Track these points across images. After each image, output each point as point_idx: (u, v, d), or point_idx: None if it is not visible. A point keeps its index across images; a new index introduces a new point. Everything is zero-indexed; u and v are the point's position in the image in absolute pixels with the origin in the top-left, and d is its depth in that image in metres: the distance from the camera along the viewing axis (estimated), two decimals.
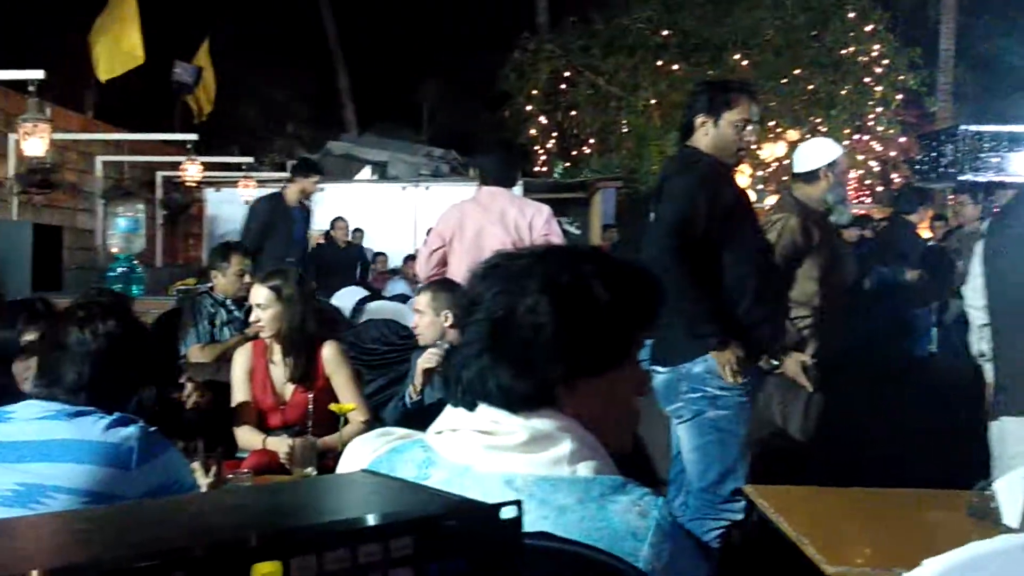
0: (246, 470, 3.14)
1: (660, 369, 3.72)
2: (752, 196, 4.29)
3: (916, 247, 7.68)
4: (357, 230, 12.99)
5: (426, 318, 3.98)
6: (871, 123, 16.82)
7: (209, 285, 5.39)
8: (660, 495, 1.40)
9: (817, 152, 4.61)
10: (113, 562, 0.76)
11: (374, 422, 3.77)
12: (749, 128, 3.74)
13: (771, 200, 9.01)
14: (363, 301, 8.02)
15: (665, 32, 16.73)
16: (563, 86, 17.67)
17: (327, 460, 3.40)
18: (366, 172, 14.94)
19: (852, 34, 16.33)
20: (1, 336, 2.98)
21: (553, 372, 1.40)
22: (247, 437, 3.72)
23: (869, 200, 17.79)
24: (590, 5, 17.64)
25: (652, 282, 1.53)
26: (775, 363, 4.17)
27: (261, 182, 13.56)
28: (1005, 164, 4.77)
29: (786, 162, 13.58)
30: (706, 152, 3.72)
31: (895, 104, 16.70)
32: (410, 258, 11.02)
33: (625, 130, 17.16)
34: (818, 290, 4.44)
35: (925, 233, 8.88)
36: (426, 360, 3.77)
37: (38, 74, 7.84)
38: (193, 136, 11.59)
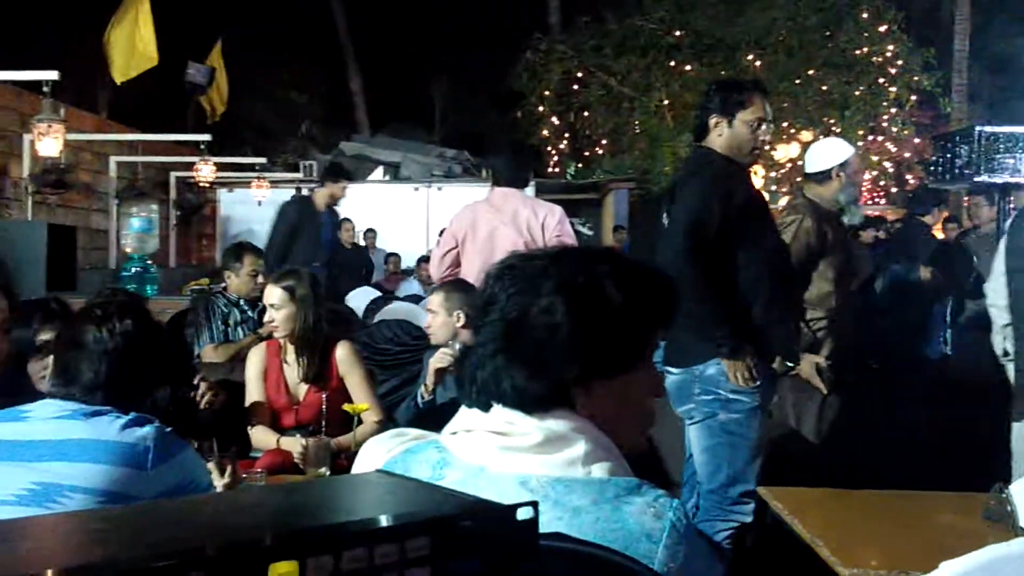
0: (260, 470, 3.15)
1: (673, 370, 3.71)
2: (765, 197, 4.27)
3: (930, 248, 7.64)
4: (370, 231, 12.99)
5: (439, 318, 3.98)
6: (885, 124, 16.76)
7: (222, 285, 5.41)
8: (675, 497, 1.40)
9: (829, 152, 4.59)
10: (129, 562, 0.76)
11: (387, 422, 3.77)
12: (764, 127, 3.72)
13: (784, 202, 8.99)
14: (375, 302, 8.02)
15: (678, 32, 16.70)
16: (575, 87, 17.65)
17: (340, 460, 3.40)
18: (378, 173, 14.97)
19: (866, 34, 16.26)
20: (16, 336, 2.99)
21: (568, 373, 1.40)
22: (261, 437, 3.73)
23: (883, 201, 17.74)
24: (602, 5, 17.62)
25: (666, 283, 1.53)
26: (789, 365, 4.16)
27: (274, 183, 13.61)
28: (1021, 165, 4.73)
29: (799, 163, 13.53)
30: (721, 152, 3.70)
31: (909, 105, 16.63)
32: (423, 260, 11.02)
33: (637, 131, 17.14)
34: (833, 291, 4.43)
35: (939, 235, 8.85)
36: (438, 360, 3.77)
37: (52, 75, 7.87)
38: (206, 137, 11.62)
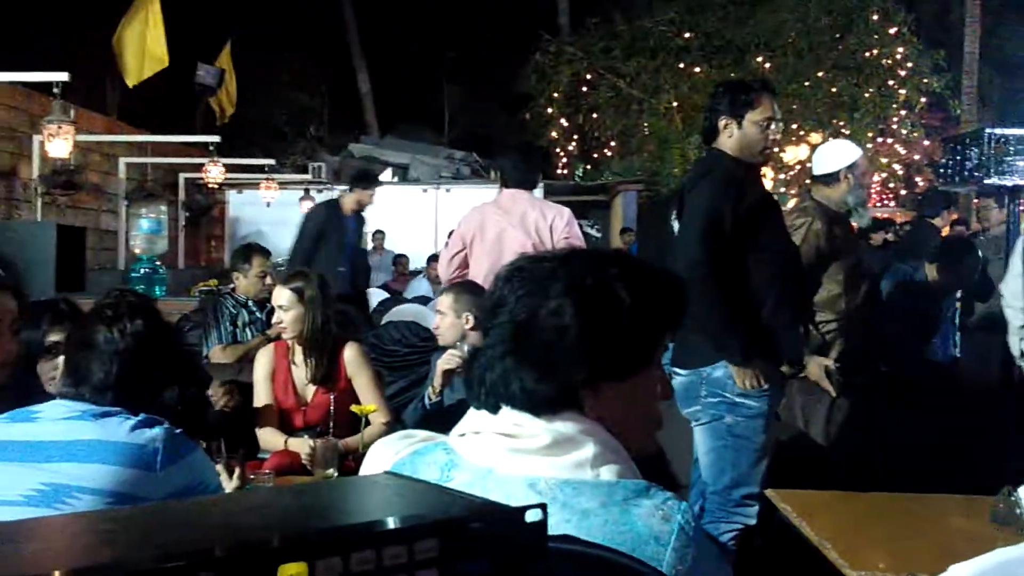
0: (268, 471, 3.15)
1: (680, 371, 3.70)
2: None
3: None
4: (378, 232, 13.01)
5: (447, 319, 3.98)
6: (895, 126, 16.70)
7: (231, 286, 5.42)
8: (683, 499, 1.40)
9: (836, 154, 4.58)
10: (138, 563, 0.76)
11: (395, 424, 3.77)
12: (773, 126, 3.70)
13: (792, 203, 8.97)
14: (384, 303, 8.04)
15: (687, 34, 16.66)
16: (584, 88, 17.63)
17: (348, 461, 3.41)
18: (387, 174, 15.00)
19: (875, 36, 16.21)
20: (26, 336, 3.00)
21: (576, 375, 1.40)
22: (269, 438, 3.74)
23: (893, 204, 17.69)
24: (611, 7, 17.60)
25: (675, 285, 1.53)
26: (798, 368, 4.14)
27: (283, 184, 13.64)
28: None
29: (808, 165, 13.52)
30: (731, 154, 3.69)
31: (919, 107, 16.57)
32: (433, 258, 11.05)
33: (646, 133, 17.11)
34: (842, 294, 4.42)
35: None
36: (446, 361, 3.77)
37: (62, 76, 7.90)
38: (215, 138, 11.67)
